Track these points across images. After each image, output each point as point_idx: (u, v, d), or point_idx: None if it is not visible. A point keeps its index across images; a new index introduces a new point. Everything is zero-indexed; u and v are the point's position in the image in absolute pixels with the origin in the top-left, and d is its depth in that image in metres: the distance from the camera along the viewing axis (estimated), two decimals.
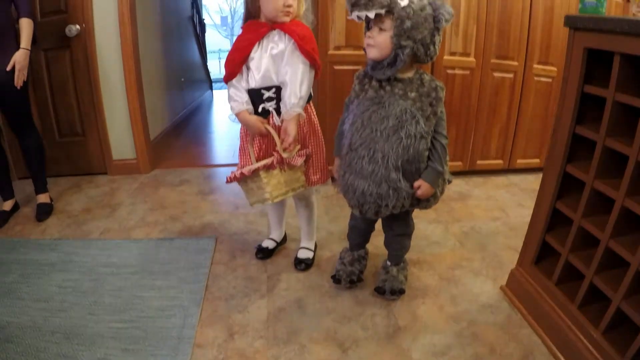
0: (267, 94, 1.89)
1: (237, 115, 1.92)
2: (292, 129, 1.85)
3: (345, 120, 1.78)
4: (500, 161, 3.62)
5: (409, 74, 1.67)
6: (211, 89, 8.23)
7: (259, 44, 1.85)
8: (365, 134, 1.65)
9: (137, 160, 3.56)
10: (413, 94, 1.64)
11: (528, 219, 1.96)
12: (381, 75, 1.64)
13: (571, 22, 1.64)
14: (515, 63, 3.38)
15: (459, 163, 3.49)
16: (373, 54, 1.63)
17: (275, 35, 1.84)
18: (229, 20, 22.87)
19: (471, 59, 3.24)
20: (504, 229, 2.70)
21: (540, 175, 1.85)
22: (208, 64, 8.21)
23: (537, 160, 3.71)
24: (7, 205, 2.80)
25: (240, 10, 20.58)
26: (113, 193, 3.19)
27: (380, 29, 1.58)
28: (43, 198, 2.86)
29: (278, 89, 1.88)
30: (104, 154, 3.52)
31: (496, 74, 3.35)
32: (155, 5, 4.65)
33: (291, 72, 1.82)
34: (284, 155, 1.85)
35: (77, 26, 3.19)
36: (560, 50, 3.43)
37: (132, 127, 3.49)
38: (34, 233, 2.59)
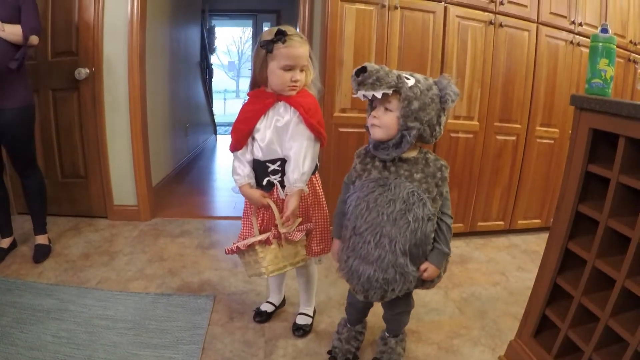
0: (272, 167, 1.89)
1: (239, 188, 1.93)
2: (292, 204, 1.84)
3: (347, 201, 1.73)
4: (501, 222, 3.63)
5: (413, 154, 1.65)
6: (215, 133, 8.29)
7: (265, 115, 1.86)
8: (370, 217, 1.60)
9: (138, 208, 3.56)
10: (419, 175, 1.61)
11: (528, 283, 1.95)
12: (385, 156, 1.62)
13: (577, 102, 1.67)
14: (518, 126, 3.44)
15: (460, 225, 3.49)
16: (379, 134, 1.61)
17: (280, 107, 1.85)
18: (236, 63, 23.17)
19: (475, 122, 3.29)
20: (504, 295, 2.68)
21: (541, 235, 1.86)
22: (213, 107, 8.30)
23: (538, 221, 3.72)
24: (5, 242, 2.80)
25: (248, 52, 20.86)
26: (112, 239, 3.18)
27: (387, 109, 1.57)
28: (41, 239, 2.85)
29: (283, 162, 1.88)
30: (105, 198, 3.53)
31: (499, 137, 3.39)
32: (164, 52, 4.73)
33: (296, 147, 1.82)
34: (282, 230, 1.84)
35: (87, 69, 3.24)
36: (562, 112, 3.51)
37: (134, 173, 3.51)
38: (30, 275, 2.58)
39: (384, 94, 1.53)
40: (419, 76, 1.58)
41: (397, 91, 1.54)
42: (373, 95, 1.53)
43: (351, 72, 2.85)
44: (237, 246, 1.83)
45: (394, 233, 1.58)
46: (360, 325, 2.05)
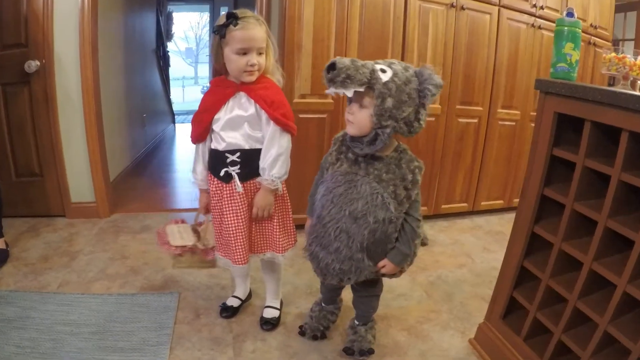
0: (231, 158, 1.85)
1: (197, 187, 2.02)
2: (260, 202, 1.88)
3: (319, 185, 1.73)
4: (464, 204, 3.67)
5: (388, 152, 1.61)
6: (174, 122, 8.14)
7: (225, 105, 1.81)
8: (333, 211, 1.61)
9: (97, 204, 3.46)
10: (388, 176, 1.57)
11: (493, 263, 1.97)
12: (359, 151, 1.58)
13: (542, 86, 1.67)
14: (480, 108, 3.47)
15: (424, 208, 3.50)
16: (352, 130, 1.56)
17: (242, 97, 1.80)
18: (194, 49, 22.79)
19: (436, 105, 3.29)
20: (470, 276, 2.71)
21: (504, 216, 1.88)
22: (171, 93, 8.15)
23: (500, 202, 3.78)
24: None
25: (206, 37, 20.47)
26: (71, 239, 3.08)
27: (361, 105, 1.52)
28: None
29: (243, 153, 1.84)
30: (62, 196, 3.41)
31: (461, 120, 3.42)
32: (118, 40, 4.59)
33: (274, 151, 1.83)
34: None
35: (37, 62, 3.09)
36: (523, 94, 3.57)
37: (91, 169, 3.40)
38: None
39: (355, 92, 1.47)
40: (398, 67, 1.51)
41: (371, 87, 1.47)
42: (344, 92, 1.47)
43: (310, 57, 2.84)
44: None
45: (353, 230, 1.58)
46: (333, 306, 2.07)
